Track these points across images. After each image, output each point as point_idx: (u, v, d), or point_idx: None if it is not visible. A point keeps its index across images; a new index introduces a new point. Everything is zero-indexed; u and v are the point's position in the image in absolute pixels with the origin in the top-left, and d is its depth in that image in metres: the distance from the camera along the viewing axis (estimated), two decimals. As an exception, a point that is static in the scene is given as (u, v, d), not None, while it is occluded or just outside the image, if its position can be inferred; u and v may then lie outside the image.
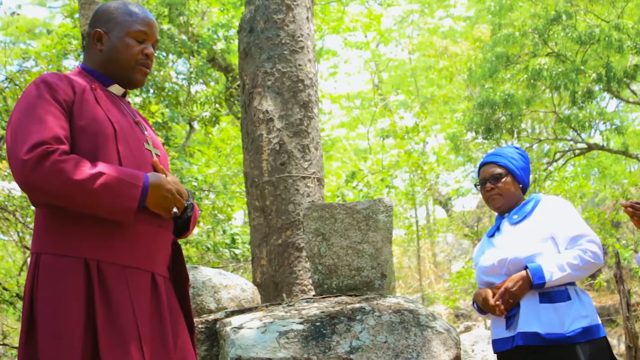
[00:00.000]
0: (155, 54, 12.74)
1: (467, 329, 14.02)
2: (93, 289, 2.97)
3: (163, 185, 3.14)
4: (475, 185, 4.93)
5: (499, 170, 4.74)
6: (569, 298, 4.38)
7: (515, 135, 18.04)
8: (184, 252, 13.13)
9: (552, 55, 17.55)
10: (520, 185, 4.77)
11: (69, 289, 2.95)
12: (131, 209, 3.02)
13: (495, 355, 4.66)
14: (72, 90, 3.17)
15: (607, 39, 15.89)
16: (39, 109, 3.05)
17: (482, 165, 4.85)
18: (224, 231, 14.07)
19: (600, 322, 4.44)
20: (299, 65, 7.38)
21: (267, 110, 7.22)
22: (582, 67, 16.56)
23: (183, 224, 3.40)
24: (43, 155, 2.91)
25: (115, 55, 3.35)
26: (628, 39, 15.99)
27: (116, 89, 3.41)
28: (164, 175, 3.19)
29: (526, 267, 4.37)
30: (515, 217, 4.65)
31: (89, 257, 3.00)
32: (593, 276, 17.95)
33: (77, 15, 12.85)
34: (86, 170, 2.95)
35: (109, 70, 3.38)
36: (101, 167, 2.99)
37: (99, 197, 2.95)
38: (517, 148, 4.96)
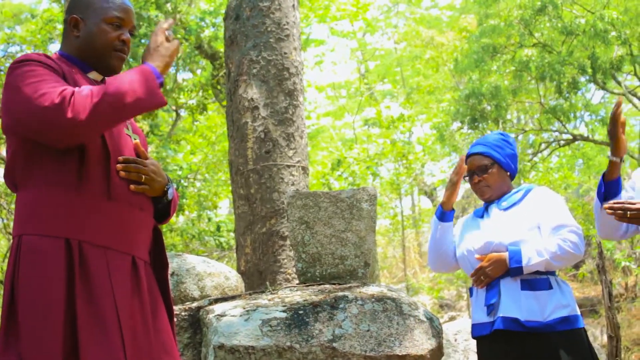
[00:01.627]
0: (142, 41, 12.76)
1: (451, 318, 14.08)
2: (74, 269, 2.98)
3: (154, 50, 3.26)
4: (464, 178, 4.95)
5: (485, 161, 4.75)
6: (550, 287, 4.41)
7: (501, 126, 18.06)
8: (169, 240, 13.19)
9: (538, 45, 17.57)
10: (508, 173, 4.78)
11: (50, 268, 2.96)
12: (158, 85, 3.14)
13: (475, 340, 4.69)
14: (60, 69, 3.19)
15: (592, 29, 15.92)
16: (39, 73, 3.09)
17: (468, 156, 4.86)
18: (209, 219, 14.08)
19: (579, 312, 4.47)
20: (285, 53, 7.37)
21: (252, 98, 7.22)
22: (568, 58, 16.59)
23: (163, 208, 3.42)
24: (72, 93, 2.98)
25: (92, 42, 3.35)
26: (613, 29, 16.01)
27: (95, 75, 3.41)
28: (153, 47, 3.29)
29: (507, 249, 4.41)
30: (504, 203, 4.67)
31: (71, 237, 3.02)
32: (577, 267, 18.02)
33: (63, 0, 12.82)
34: (105, 85, 3.06)
35: (86, 57, 3.38)
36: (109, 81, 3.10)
37: (132, 92, 3.05)
38: (501, 134, 4.97)
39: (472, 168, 4.79)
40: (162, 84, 3.16)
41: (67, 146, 3.04)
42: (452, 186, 4.75)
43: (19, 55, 11.40)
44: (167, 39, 3.27)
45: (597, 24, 15.77)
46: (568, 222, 4.46)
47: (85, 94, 2.98)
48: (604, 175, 4.07)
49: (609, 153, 4.01)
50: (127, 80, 3.06)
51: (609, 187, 4.05)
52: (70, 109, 2.93)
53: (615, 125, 3.93)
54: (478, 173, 4.75)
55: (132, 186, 3.22)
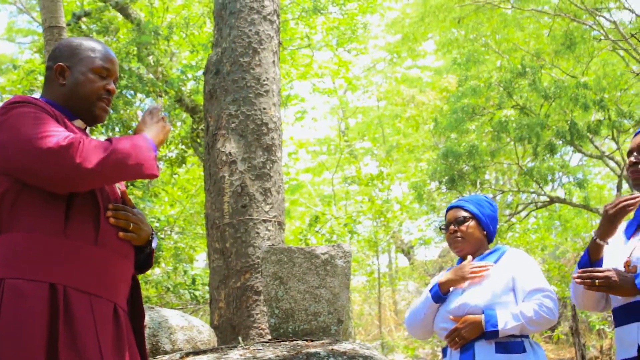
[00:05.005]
0: (123, 92, 12.79)
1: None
2: (58, 315, 2.95)
3: (153, 124, 3.36)
4: (440, 229, 4.95)
5: (464, 214, 4.75)
6: (524, 350, 4.40)
7: (479, 186, 18.14)
8: (144, 292, 13.08)
9: (517, 107, 17.72)
10: (485, 232, 4.78)
11: (33, 313, 2.92)
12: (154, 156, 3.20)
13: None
14: (53, 113, 3.19)
15: (573, 95, 16.08)
16: (38, 115, 3.10)
17: (449, 209, 4.87)
18: (185, 272, 14.00)
19: (552, 374, 4.46)
20: (264, 108, 7.41)
21: (230, 153, 7.24)
22: (546, 121, 16.73)
23: (145, 258, 3.42)
24: (79, 140, 3.00)
25: (78, 90, 3.36)
26: (594, 96, 16.19)
27: (79, 123, 3.41)
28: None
29: (482, 312, 4.39)
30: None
31: (57, 282, 2.99)
32: (552, 329, 18.00)
33: (45, 52, 12.85)
34: (113, 142, 3.11)
35: (71, 105, 3.38)
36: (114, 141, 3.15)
37: (137, 156, 3.11)
38: (486, 197, 4.99)
39: (450, 219, 4.80)
40: (156, 157, 3.20)
41: (65, 190, 3.03)
42: (460, 279, 4.68)
43: (-1, 104, 11.37)
44: (164, 119, 3.38)
45: (578, 91, 15.95)
46: (544, 286, 4.47)
47: (94, 145, 3.01)
48: (589, 256, 4.01)
49: (594, 235, 3.95)
50: (133, 144, 3.11)
51: (595, 266, 4.01)
52: (79, 155, 2.95)
53: (620, 216, 3.88)
54: (455, 224, 4.75)
55: (121, 233, 3.22)
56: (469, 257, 4.69)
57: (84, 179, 3.00)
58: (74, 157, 2.94)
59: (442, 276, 4.74)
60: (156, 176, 3.22)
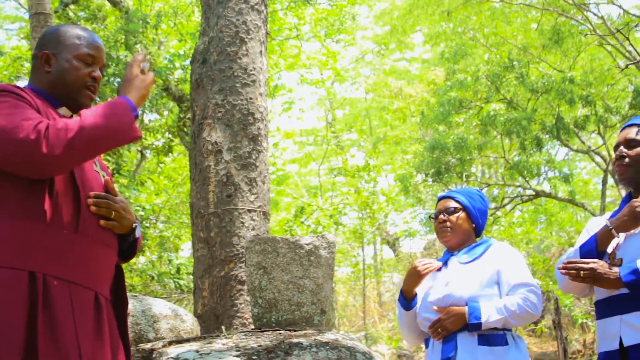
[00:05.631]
0: (110, 80, 12.75)
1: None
2: (37, 303, 2.93)
3: (129, 82, 3.28)
4: (430, 217, 4.95)
5: (454, 204, 4.76)
6: (506, 343, 4.41)
7: (465, 179, 18.19)
8: (129, 281, 13.07)
9: (504, 101, 17.76)
10: (474, 225, 4.78)
11: (11, 302, 2.90)
12: (132, 118, 3.14)
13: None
14: (34, 101, 3.18)
15: (560, 89, 16.12)
16: (13, 104, 3.08)
17: (441, 198, 4.88)
18: (170, 261, 13.99)
19: (533, 368, 4.47)
20: (250, 98, 7.41)
21: (216, 142, 7.23)
22: (533, 115, 16.77)
23: (128, 246, 3.41)
24: (46, 127, 2.96)
25: (63, 77, 3.35)
26: (580, 91, 16.23)
27: (64, 111, 3.39)
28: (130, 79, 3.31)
29: (466, 304, 4.40)
30: (465, 257, 4.65)
31: (36, 270, 2.97)
32: (535, 322, 18.06)
33: (32, 38, 12.79)
34: (80, 119, 3.06)
35: (56, 92, 3.36)
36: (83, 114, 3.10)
37: (108, 126, 3.05)
38: (479, 190, 4.99)
39: (440, 209, 4.80)
40: (137, 117, 3.16)
41: (40, 178, 3.02)
42: (418, 278, 4.70)
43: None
44: (142, 72, 3.29)
45: (564, 86, 15.99)
46: (528, 280, 4.47)
47: (59, 127, 2.97)
48: (597, 245, 3.94)
49: (610, 224, 3.87)
50: (103, 113, 3.06)
51: (599, 256, 3.97)
52: (45, 144, 2.91)
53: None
54: (445, 214, 4.75)
55: (102, 221, 3.20)
56: (418, 256, 4.75)
57: (55, 166, 2.99)
58: (40, 147, 2.91)
59: (402, 284, 4.77)
60: (137, 138, 3.18)
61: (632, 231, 3.77)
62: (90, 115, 3.05)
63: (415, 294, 4.70)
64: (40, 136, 2.92)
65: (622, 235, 3.80)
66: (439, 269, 4.76)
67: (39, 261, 3.00)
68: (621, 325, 3.60)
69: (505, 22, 20.26)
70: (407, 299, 4.72)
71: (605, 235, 3.84)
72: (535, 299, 4.41)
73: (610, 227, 3.82)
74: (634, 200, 3.82)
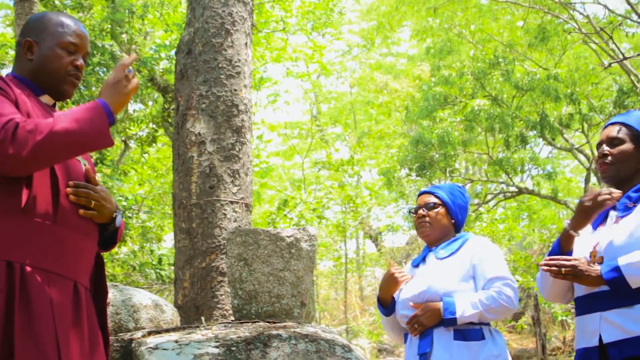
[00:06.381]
0: (95, 70, 12.71)
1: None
2: (14, 293, 2.93)
3: (111, 86, 3.22)
4: (410, 212, 4.96)
5: (434, 200, 4.77)
6: (482, 337, 4.42)
7: (448, 175, 18.23)
8: (110, 270, 13.06)
9: (489, 98, 17.81)
10: (453, 221, 4.79)
11: None
12: (106, 124, 3.10)
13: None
14: (12, 91, 3.16)
15: (544, 87, 16.17)
16: None
17: (421, 193, 4.89)
18: (152, 252, 13.98)
19: (511, 363, 4.49)
20: (235, 90, 7.41)
21: (199, 133, 7.23)
22: (517, 112, 16.83)
23: (109, 235, 3.40)
24: (15, 127, 2.93)
25: (45, 65, 3.34)
26: (565, 89, 16.28)
27: (46, 99, 3.39)
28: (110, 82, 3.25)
29: (441, 300, 4.42)
30: (442, 252, 4.66)
31: (14, 260, 2.96)
32: (516, 318, 18.14)
33: (16, 25, 12.74)
34: (52, 121, 3.00)
35: (38, 80, 3.35)
36: (57, 115, 3.05)
37: (79, 132, 3.02)
38: (460, 187, 5.01)
39: (420, 204, 4.82)
40: (113, 123, 3.13)
41: (6, 176, 3.01)
42: (395, 285, 4.72)
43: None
44: (127, 77, 3.23)
45: (549, 83, 16.04)
46: (504, 274, 4.48)
47: (29, 128, 2.94)
48: (560, 246, 4.00)
49: (567, 225, 3.94)
50: (76, 118, 3.03)
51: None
52: (12, 145, 2.89)
53: (596, 209, 3.86)
54: (424, 209, 4.76)
55: (81, 211, 3.18)
56: (393, 263, 4.75)
57: (20, 167, 2.97)
58: (6, 148, 2.89)
59: (378, 291, 4.79)
60: (109, 145, 3.15)
61: (609, 227, 3.80)
62: (64, 118, 3.02)
63: (393, 299, 4.72)
64: (8, 136, 2.90)
65: (602, 231, 3.82)
66: (417, 265, 4.78)
67: (17, 251, 2.98)
68: (601, 322, 3.62)
69: (491, 19, 20.31)
70: (385, 306, 4.74)
71: (565, 237, 3.88)
72: (511, 293, 4.41)
73: (568, 229, 3.87)
74: (583, 196, 3.88)
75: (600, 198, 3.78)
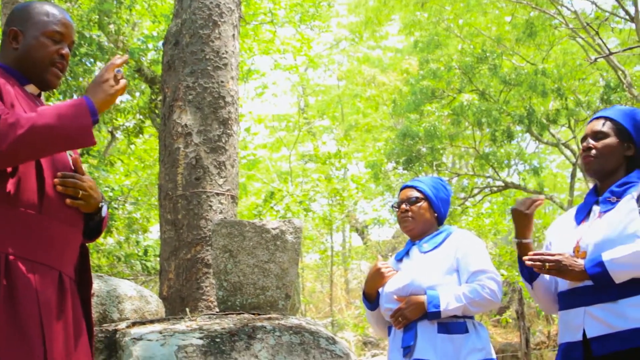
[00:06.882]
0: (82, 60, 12.67)
1: (374, 356, 14.10)
2: None
3: (98, 84, 3.16)
4: (392, 207, 4.97)
5: (417, 194, 4.77)
6: (466, 331, 4.43)
7: (435, 169, 18.26)
8: (95, 261, 13.04)
9: (477, 92, 17.84)
10: (436, 215, 4.80)
11: None
12: (89, 123, 3.05)
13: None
14: None
15: (532, 82, 16.20)
16: None
17: (403, 188, 4.90)
18: (138, 243, 13.97)
19: (494, 356, 4.49)
20: (222, 81, 7.40)
21: (186, 124, 7.22)
22: (505, 107, 16.87)
23: (95, 225, 3.40)
24: None
25: (30, 54, 3.33)
26: (552, 84, 16.32)
27: (32, 88, 3.38)
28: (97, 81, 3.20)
29: (425, 293, 4.43)
30: (425, 245, 4.67)
31: None
32: (500, 312, 18.20)
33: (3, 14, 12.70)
34: (35, 116, 2.97)
35: (24, 69, 3.34)
36: (41, 110, 3.02)
37: (61, 128, 2.98)
38: (442, 180, 5.02)
39: (403, 198, 4.82)
40: (96, 122, 3.10)
41: None
42: (381, 280, 4.73)
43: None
44: (116, 77, 3.19)
45: (536, 78, 16.07)
46: (487, 268, 4.49)
47: (11, 121, 2.92)
48: (521, 259, 4.05)
49: (514, 240, 4.03)
50: (59, 114, 3.00)
51: (531, 267, 4.04)
52: None
53: (529, 216, 3.97)
54: (407, 203, 4.77)
55: (68, 200, 3.17)
56: (379, 257, 4.76)
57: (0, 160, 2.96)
58: None
59: (364, 286, 4.80)
60: (91, 144, 3.13)
61: (592, 222, 3.82)
62: (47, 113, 2.99)
63: (379, 294, 4.73)
64: None
65: (585, 226, 3.84)
66: (401, 259, 4.79)
67: (1, 241, 2.98)
68: (585, 317, 3.63)
69: (480, 14, 20.33)
70: (370, 301, 4.75)
71: (522, 247, 3.95)
72: (495, 286, 4.42)
73: (518, 240, 3.98)
74: (516, 204, 3.99)
75: (535, 203, 3.89)
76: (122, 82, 3.21)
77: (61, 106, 3.05)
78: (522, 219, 3.99)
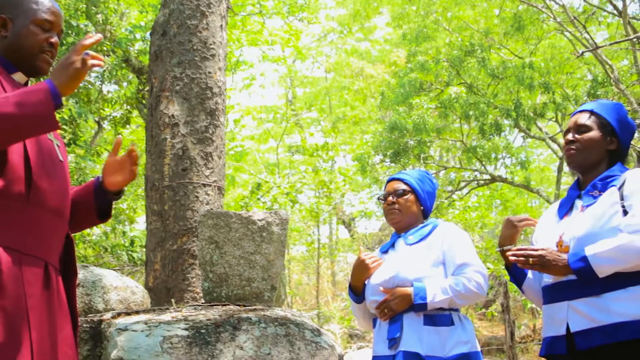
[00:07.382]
0: (69, 50, 12.63)
1: (360, 349, 14.10)
2: None
3: (64, 67, 3.08)
4: (379, 199, 4.97)
5: (403, 186, 4.78)
6: (452, 323, 4.44)
7: (422, 162, 18.27)
8: (81, 252, 13.01)
9: (465, 85, 17.85)
10: (422, 208, 4.81)
11: None
12: (50, 107, 2.99)
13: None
14: None
15: (519, 75, 16.22)
16: None
17: (390, 180, 4.90)
18: (124, 233, 13.94)
19: (479, 349, 4.51)
20: (209, 72, 7.39)
21: (173, 115, 7.21)
22: (493, 101, 16.89)
23: (108, 204, 3.59)
24: None
25: (20, 42, 3.32)
26: (539, 77, 16.34)
27: (19, 76, 3.37)
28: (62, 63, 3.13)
29: (412, 285, 4.43)
30: (411, 238, 4.68)
31: None
32: (487, 305, 18.25)
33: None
34: None
35: (12, 57, 3.34)
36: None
37: (21, 117, 2.93)
38: (427, 173, 5.02)
39: (389, 190, 4.83)
40: (59, 106, 3.03)
41: None
42: (366, 271, 4.73)
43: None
44: (84, 60, 3.09)
45: (524, 71, 16.09)
46: (473, 261, 4.50)
47: None
48: (507, 264, 4.13)
49: (498, 249, 4.12)
50: (19, 101, 2.95)
51: (517, 271, 4.10)
52: None
53: (518, 229, 4.07)
54: (393, 196, 4.78)
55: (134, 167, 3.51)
56: (361, 249, 4.77)
57: None
58: None
59: (350, 277, 4.81)
60: (54, 129, 3.06)
61: (575, 216, 3.83)
62: (6, 102, 2.94)
63: (365, 286, 4.73)
64: None
65: (568, 221, 3.86)
66: (386, 251, 4.80)
67: None
68: (568, 311, 3.64)
69: (468, 7, 20.35)
70: (356, 293, 4.75)
71: (505, 256, 4.00)
72: (481, 279, 4.43)
73: (503, 248, 4.08)
74: (508, 219, 4.12)
75: (529, 221, 3.99)
76: (89, 63, 3.10)
77: (22, 93, 2.99)
78: (510, 229, 4.11)
